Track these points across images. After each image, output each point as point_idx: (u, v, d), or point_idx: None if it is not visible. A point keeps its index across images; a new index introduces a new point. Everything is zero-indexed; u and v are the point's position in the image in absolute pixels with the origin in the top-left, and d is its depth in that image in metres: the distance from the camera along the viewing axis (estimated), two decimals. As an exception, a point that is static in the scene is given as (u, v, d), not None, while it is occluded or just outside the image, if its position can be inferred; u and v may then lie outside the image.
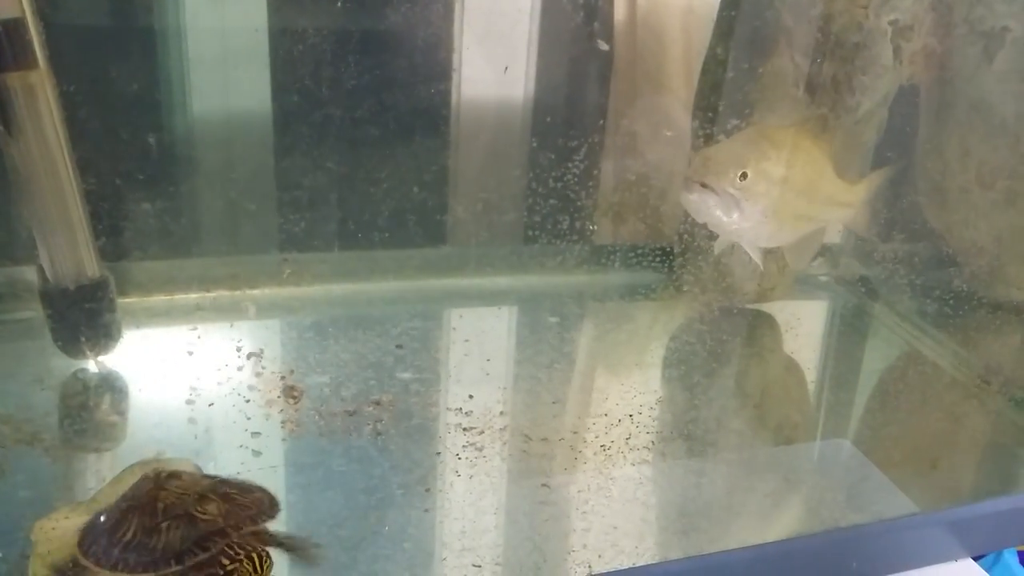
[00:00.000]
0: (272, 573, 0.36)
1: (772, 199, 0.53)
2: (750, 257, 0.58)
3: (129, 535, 0.35)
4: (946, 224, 0.66)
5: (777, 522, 0.49)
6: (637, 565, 0.43)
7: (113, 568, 0.35)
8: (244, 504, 0.37)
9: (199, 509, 0.36)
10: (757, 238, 0.56)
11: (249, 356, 0.55)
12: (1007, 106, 0.60)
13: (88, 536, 0.37)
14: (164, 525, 0.35)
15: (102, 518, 0.37)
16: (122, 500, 0.37)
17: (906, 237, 0.68)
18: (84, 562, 0.36)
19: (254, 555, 0.35)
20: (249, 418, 0.50)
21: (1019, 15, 0.59)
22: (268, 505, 0.38)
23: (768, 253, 0.62)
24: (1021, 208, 0.62)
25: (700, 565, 0.43)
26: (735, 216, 0.52)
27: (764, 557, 0.44)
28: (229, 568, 0.35)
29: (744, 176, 0.52)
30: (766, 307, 0.69)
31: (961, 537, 0.48)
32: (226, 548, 0.35)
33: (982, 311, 0.64)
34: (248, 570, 0.35)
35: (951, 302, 0.65)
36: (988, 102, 0.61)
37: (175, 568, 0.34)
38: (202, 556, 0.34)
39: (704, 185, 0.52)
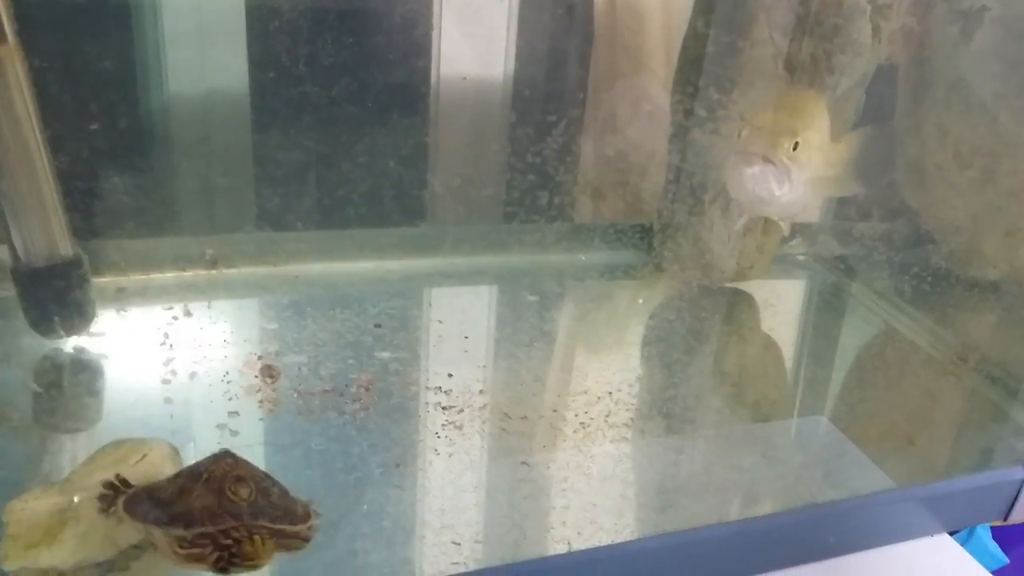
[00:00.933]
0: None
1: (811, 167, 0.52)
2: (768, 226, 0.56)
3: (165, 495, 0.37)
4: (923, 203, 0.66)
5: (755, 498, 0.49)
6: (616, 542, 0.43)
7: (131, 515, 0.37)
8: (274, 504, 0.37)
9: (231, 489, 0.37)
10: (792, 208, 0.55)
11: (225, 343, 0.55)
12: (985, 85, 0.61)
13: (137, 493, 0.38)
14: (196, 493, 0.36)
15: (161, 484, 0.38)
16: (185, 471, 0.39)
17: (883, 215, 0.68)
18: (120, 510, 0.38)
19: (255, 537, 0.36)
20: (229, 399, 0.50)
21: (997, -6, 0.59)
22: (298, 515, 0.38)
23: (747, 231, 0.62)
24: (997, 187, 0.62)
25: (679, 541, 0.43)
26: (786, 188, 0.51)
27: (741, 533, 0.44)
28: (225, 544, 0.35)
29: (796, 146, 0.51)
30: (744, 286, 0.69)
31: (937, 512, 0.48)
32: (232, 528, 0.36)
33: (959, 289, 0.65)
34: (248, 551, 0.36)
35: (928, 280, 0.66)
36: (966, 81, 0.61)
37: (181, 531, 0.35)
38: (208, 528, 0.35)
39: (763, 158, 0.50)
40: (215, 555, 0.36)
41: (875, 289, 0.71)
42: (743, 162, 0.51)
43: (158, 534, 0.36)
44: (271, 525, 0.36)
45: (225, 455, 0.38)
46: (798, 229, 0.72)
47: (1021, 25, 0.59)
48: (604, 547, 0.42)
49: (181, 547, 0.36)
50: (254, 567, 0.36)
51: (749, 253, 0.66)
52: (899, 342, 0.67)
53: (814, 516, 0.46)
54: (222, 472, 0.37)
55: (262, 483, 0.38)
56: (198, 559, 0.36)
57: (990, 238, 0.64)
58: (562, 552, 0.42)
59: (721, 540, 0.44)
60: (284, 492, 0.39)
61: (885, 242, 0.69)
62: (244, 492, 0.37)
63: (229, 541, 0.36)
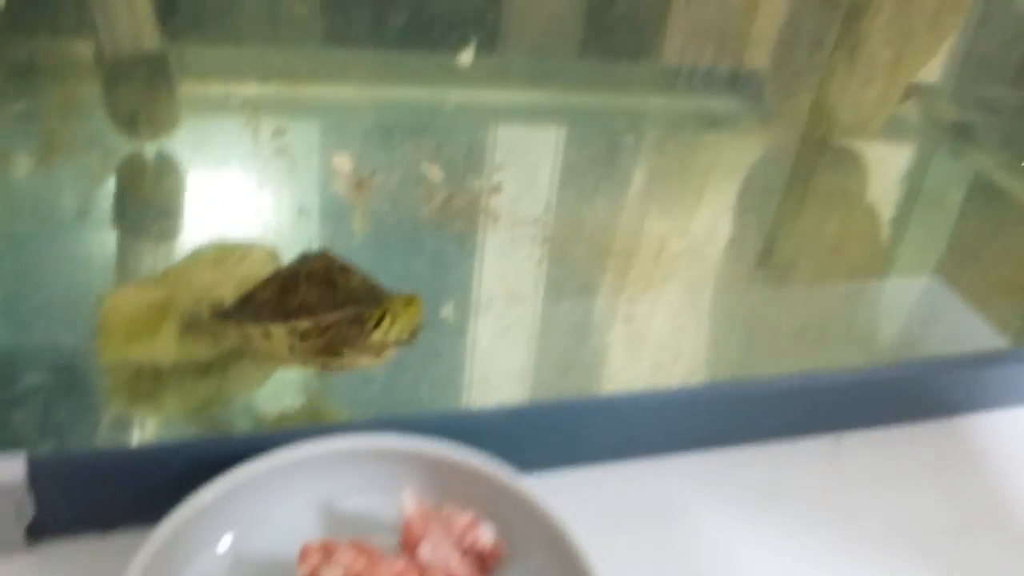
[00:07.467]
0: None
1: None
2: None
3: (267, 294, 0.35)
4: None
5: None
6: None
7: (240, 318, 0.35)
8: (385, 293, 0.35)
9: (341, 278, 0.35)
10: None
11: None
12: None
13: (241, 298, 0.37)
14: (303, 287, 0.35)
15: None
16: (283, 271, 0.37)
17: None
18: (215, 319, 0.36)
19: (386, 307, 0.33)
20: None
21: None
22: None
23: (868, 81, 0.58)
24: None
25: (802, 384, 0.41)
26: None
27: (863, 381, 0.42)
28: (366, 319, 0.33)
29: None
30: (856, 145, 0.64)
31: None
32: (352, 316, 0.34)
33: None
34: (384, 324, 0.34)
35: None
36: None
37: (305, 324, 0.34)
38: (335, 316, 0.34)
39: None
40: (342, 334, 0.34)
41: (995, 159, 0.66)
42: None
43: (277, 331, 0.35)
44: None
45: (322, 252, 0.37)
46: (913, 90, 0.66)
47: None
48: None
49: (303, 340, 0.34)
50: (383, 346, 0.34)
51: (868, 105, 0.61)
52: (1017, 211, 0.62)
53: (932, 370, 0.43)
54: (324, 265, 0.36)
55: (368, 279, 0.36)
56: (323, 350, 0.34)
57: None
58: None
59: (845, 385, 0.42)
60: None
61: (1008, 112, 0.64)
62: (355, 280, 0.35)
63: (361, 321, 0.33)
